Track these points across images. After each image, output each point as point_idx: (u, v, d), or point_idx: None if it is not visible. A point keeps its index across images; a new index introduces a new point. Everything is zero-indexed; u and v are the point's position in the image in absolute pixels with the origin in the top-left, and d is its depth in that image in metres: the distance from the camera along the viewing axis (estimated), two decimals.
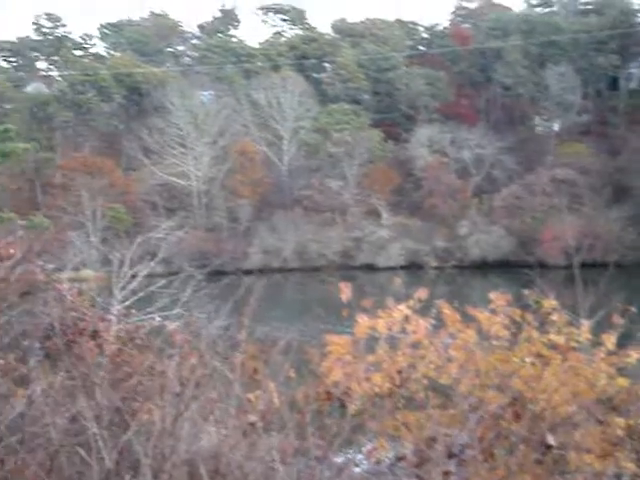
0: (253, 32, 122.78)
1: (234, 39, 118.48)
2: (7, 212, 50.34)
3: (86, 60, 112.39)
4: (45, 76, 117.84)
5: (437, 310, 10.98)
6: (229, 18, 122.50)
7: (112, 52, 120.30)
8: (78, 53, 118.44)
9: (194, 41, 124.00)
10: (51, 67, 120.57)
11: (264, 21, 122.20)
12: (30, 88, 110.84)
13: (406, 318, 10.88)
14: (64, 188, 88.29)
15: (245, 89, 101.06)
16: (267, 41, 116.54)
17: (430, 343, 10.68)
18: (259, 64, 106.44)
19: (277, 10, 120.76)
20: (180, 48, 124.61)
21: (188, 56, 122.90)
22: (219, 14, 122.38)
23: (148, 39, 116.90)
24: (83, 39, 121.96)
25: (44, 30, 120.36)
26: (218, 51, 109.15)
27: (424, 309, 11.01)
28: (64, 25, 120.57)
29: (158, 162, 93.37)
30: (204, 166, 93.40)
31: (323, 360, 9.62)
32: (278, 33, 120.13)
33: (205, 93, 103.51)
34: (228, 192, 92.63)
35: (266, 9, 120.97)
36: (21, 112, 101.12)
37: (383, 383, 10.02)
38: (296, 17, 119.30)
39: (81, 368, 7.45)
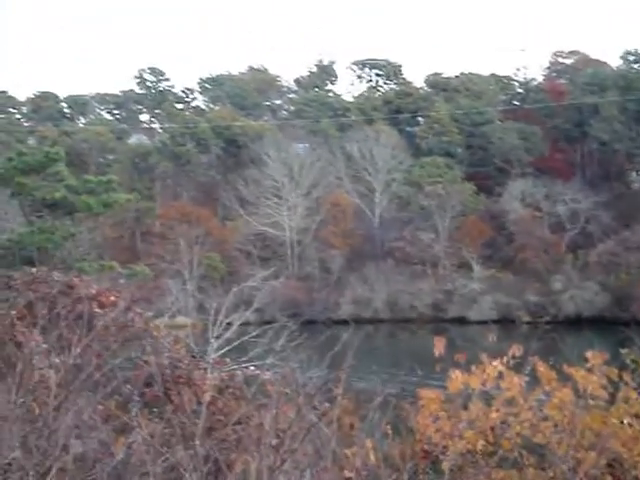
0: (348, 86, 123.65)
1: (330, 93, 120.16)
2: (108, 260, 51.64)
3: (187, 113, 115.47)
4: (147, 128, 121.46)
5: (531, 367, 10.77)
6: (325, 73, 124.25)
7: (211, 105, 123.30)
8: (179, 106, 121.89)
9: (291, 95, 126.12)
10: (153, 119, 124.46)
11: (359, 76, 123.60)
12: (132, 140, 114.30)
13: (500, 374, 10.71)
14: (162, 237, 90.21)
15: (339, 142, 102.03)
16: (362, 95, 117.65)
17: (524, 401, 10.47)
18: (354, 117, 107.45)
19: (372, 65, 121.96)
20: (277, 102, 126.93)
21: (285, 109, 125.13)
22: (315, 69, 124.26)
23: (246, 93, 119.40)
24: (184, 93, 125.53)
25: (147, 84, 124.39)
26: (314, 105, 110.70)
27: (518, 365, 10.81)
28: (167, 79, 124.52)
29: (253, 212, 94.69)
30: (297, 217, 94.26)
31: (416, 415, 9.52)
32: (373, 87, 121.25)
33: (300, 145, 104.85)
34: (320, 243, 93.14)
35: (362, 64, 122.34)
36: (123, 163, 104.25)
37: (477, 440, 9.86)
38: (391, 71, 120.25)
39: (180, 417, 7.53)
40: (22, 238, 46.67)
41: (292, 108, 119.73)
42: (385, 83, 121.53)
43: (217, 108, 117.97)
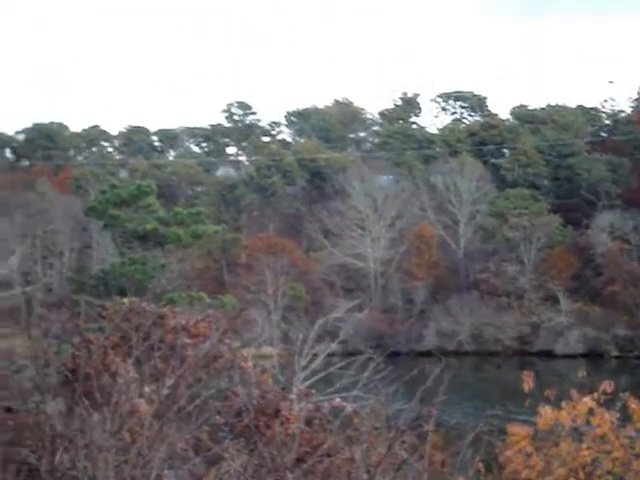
0: (432, 118, 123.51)
1: (414, 125, 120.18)
2: (196, 291, 52.43)
3: (273, 146, 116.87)
4: (234, 161, 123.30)
5: (622, 403, 10.50)
6: (410, 105, 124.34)
7: (297, 138, 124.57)
8: (265, 139, 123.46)
9: (375, 127, 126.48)
10: (240, 152, 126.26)
11: (444, 108, 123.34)
12: (220, 172, 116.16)
13: (590, 410, 10.47)
14: (248, 267, 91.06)
15: (423, 174, 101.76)
16: (446, 127, 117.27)
17: (616, 438, 10.21)
18: (438, 149, 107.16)
19: (457, 97, 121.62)
20: (361, 134, 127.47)
21: (369, 142, 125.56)
22: (400, 101, 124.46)
23: (331, 125, 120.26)
24: (271, 126, 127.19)
25: (235, 117, 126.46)
26: (398, 137, 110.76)
27: (608, 401, 10.55)
28: (254, 112, 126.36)
29: (337, 243, 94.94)
30: (381, 248, 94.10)
31: (506, 451, 9.35)
32: (457, 119, 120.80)
33: (384, 177, 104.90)
34: (404, 274, 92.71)
35: (446, 96, 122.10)
36: (211, 195, 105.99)
37: (567, 478, 9.64)
38: (476, 103, 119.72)
39: (270, 449, 7.54)
40: (114, 269, 47.75)
41: (376, 140, 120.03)
42: (470, 115, 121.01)
43: (303, 141, 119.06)
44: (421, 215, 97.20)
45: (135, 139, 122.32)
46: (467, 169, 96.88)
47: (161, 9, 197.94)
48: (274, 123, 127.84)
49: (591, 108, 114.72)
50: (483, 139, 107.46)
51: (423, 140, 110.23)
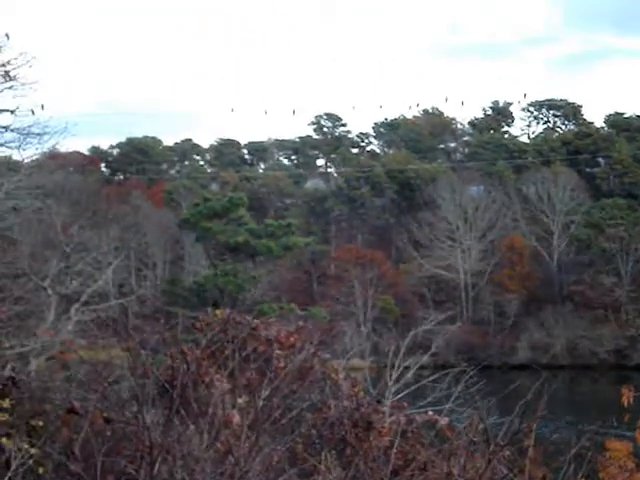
0: (524, 127, 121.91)
1: (505, 135, 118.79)
2: (286, 302, 52.82)
3: (362, 157, 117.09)
4: (323, 173, 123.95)
5: None
6: (501, 114, 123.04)
7: (386, 149, 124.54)
8: (354, 151, 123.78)
9: (465, 137, 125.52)
10: (329, 164, 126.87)
11: (536, 117, 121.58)
12: (309, 184, 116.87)
13: None
14: (337, 279, 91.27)
15: (515, 184, 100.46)
16: (539, 136, 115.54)
17: None
18: (530, 159, 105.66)
19: (550, 106, 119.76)
20: (451, 144, 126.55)
21: (459, 152, 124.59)
22: (491, 111, 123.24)
23: (421, 136, 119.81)
24: (359, 137, 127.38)
25: (324, 129, 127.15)
26: (489, 147, 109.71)
27: None
28: (343, 124, 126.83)
29: (427, 255, 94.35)
30: (472, 260, 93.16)
31: (606, 466, 9.11)
32: (550, 128, 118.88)
33: (475, 188, 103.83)
34: (495, 286, 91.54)
35: (539, 105, 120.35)
36: (300, 207, 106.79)
37: None
38: (570, 112, 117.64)
39: (366, 462, 7.51)
40: (207, 281, 48.45)
41: (467, 151, 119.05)
42: (563, 124, 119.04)
43: (391, 152, 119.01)
44: (513, 226, 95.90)
45: (225, 152, 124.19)
46: (561, 179, 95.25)
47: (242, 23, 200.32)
48: (363, 134, 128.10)
49: None
50: (577, 148, 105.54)
51: (515, 150, 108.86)
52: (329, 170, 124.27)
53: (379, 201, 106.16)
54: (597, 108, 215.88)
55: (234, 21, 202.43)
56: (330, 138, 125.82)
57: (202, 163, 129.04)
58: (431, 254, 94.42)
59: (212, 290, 47.25)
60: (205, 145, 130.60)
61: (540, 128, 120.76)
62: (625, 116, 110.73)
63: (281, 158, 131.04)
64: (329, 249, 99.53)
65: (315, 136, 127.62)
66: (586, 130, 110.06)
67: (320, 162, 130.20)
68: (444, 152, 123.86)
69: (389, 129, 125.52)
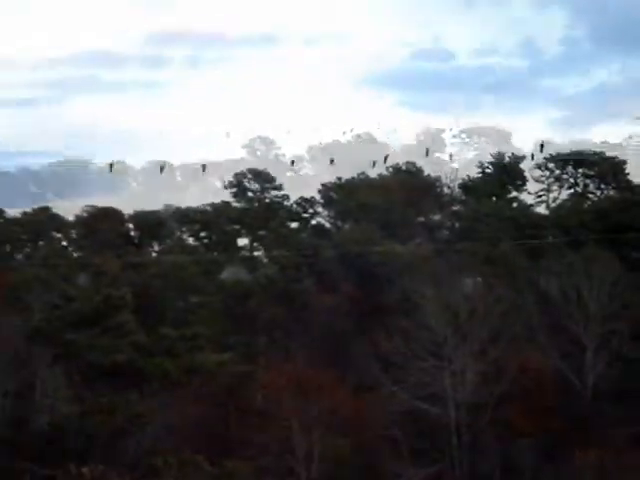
0: (539, 189, 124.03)
1: (514, 203, 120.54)
2: (189, 454, 52.13)
3: (304, 234, 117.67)
4: (247, 258, 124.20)
5: None
6: (506, 172, 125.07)
7: (339, 223, 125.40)
8: (294, 225, 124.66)
9: (455, 207, 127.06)
10: (255, 244, 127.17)
11: (558, 177, 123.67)
12: (226, 274, 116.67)
13: None
14: (267, 416, 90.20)
15: (529, 274, 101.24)
16: (562, 205, 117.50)
17: None
18: (551, 238, 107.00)
19: (577, 161, 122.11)
20: (435, 217, 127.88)
21: (446, 228, 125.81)
22: (491, 168, 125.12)
23: (391, 204, 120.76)
24: (301, 206, 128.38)
25: (248, 195, 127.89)
26: (490, 220, 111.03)
27: None
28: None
29: (400, 379, 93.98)
30: (467, 387, 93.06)
31: None
32: (580, 194, 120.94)
33: (470, 280, 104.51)
34: (502, 427, 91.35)
35: (560, 160, 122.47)
36: (212, 307, 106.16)
37: None
38: (608, 170, 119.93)
39: None
40: (67, 422, 47.68)
41: (457, 225, 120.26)
42: (598, 188, 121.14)
43: (347, 227, 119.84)
44: (527, 337, 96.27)
45: (101, 226, 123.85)
46: (596, 267, 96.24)
47: None
48: (305, 201, 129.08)
49: None
50: (619, 222, 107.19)
51: (528, 224, 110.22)
52: (256, 254, 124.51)
53: (330, 299, 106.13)
54: None
55: None
56: (258, 206, 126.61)
57: (65, 243, 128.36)
58: (406, 378, 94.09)
59: (76, 436, 46.27)
60: (69, 216, 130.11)
61: (564, 194, 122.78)
62: None
63: (184, 236, 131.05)
64: (255, 371, 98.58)
65: (235, 204, 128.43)
66: (631, 196, 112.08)
67: (242, 242, 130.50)
68: (424, 228, 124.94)
69: (343, 193, 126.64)
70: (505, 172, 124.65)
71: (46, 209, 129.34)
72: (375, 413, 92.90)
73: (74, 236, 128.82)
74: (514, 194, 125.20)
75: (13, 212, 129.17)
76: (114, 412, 47.37)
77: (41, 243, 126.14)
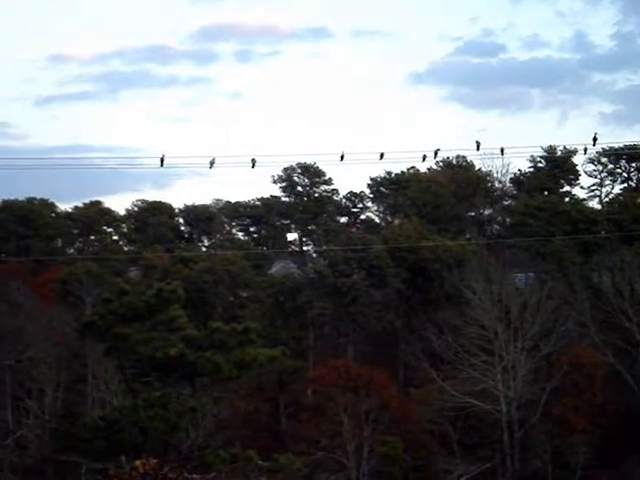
0: (594, 185, 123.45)
1: (566, 198, 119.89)
2: (241, 448, 51.97)
3: (353, 230, 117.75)
4: (296, 252, 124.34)
5: None
6: (560, 168, 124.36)
7: (389, 218, 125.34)
8: (343, 220, 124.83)
9: (507, 202, 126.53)
10: (305, 240, 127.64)
11: (611, 172, 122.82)
12: (275, 269, 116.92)
13: None
14: (318, 411, 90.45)
15: (581, 270, 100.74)
16: (615, 200, 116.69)
17: None
18: (604, 234, 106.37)
19: (632, 155, 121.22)
20: (486, 212, 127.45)
21: (498, 223, 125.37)
22: (543, 162, 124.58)
23: (440, 199, 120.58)
24: (350, 200, 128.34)
25: (298, 188, 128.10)
26: (542, 216, 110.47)
27: None
28: (326, 181, 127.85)
29: (450, 376, 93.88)
30: (519, 383, 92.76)
31: None
32: (633, 189, 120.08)
33: (521, 275, 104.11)
34: (554, 423, 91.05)
35: (614, 154, 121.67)
36: (262, 302, 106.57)
37: None
38: None
39: None
40: (121, 415, 47.66)
41: (509, 221, 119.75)
42: None
43: (397, 222, 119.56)
44: (579, 332, 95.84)
45: (151, 221, 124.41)
46: None
47: None
48: (354, 195, 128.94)
49: None
50: None
51: (580, 219, 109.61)
52: (305, 248, 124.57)
53: (379, 294, 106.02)
54: None
55: None
56: (307, 201, 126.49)
57: (116, 237, 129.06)
58: (457, 374, 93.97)
59: (129, 429, 46.32)
60: (121, 211, 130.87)
61: (617, 188, 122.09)
62: None
63: (234, 230, 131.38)
64: (305, 366, 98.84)
65: (284, 198, 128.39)
66: None
67: (292, 236, 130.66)
68: (475, 223, 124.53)
69: (393, 188, 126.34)
70: (557, 166, 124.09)
71: (97, 203, 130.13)
72: (425, 409, 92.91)
73: (125, 230, 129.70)
74: (566, 188, 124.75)
75: (64, 206, 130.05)
76: (166, 406, 47.34)
77: (92, 237, 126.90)
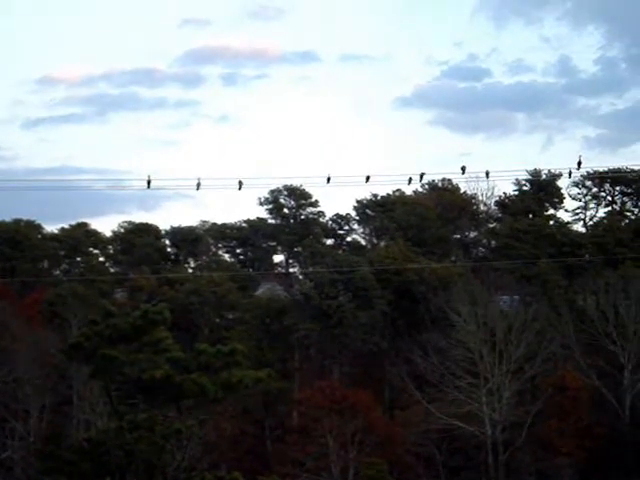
0: (579, 209, 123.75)
1: (551, 221, 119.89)
2: (226, 471, 51.97)
3: (340, 252, 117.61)
4: (282, 274, 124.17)
5: None
6: (544, 191, 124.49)
7: (375, 240, 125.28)
8: (329, 242, 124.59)
9: (492, 224, 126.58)
10: (291, 261, 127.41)
11: (595, 195, 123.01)
12: (261, 290, 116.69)
13: None
14: (303, 433, 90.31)
15: (566, 293, 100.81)
16: (600, 223, 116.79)
17: None
18: (588, 257, 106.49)
19: (614, 178, 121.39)
20: (471, 234, 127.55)
21: (483, 245, 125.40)
22: (528, 185, 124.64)
23: (426, 222, 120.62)
24: (336, 222, 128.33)
25: (284, 211, 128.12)
26: (527, 238, 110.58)
27: None
28: (313, 203, 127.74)
29: (436, 398, 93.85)
30: (504, 406, 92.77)
31: None
32: (618, 212, 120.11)
33: (506, 298, 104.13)
34: (538, 446, 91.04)
35: (599, 177, 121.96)
36: (248, 324, 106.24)
37: None
38: None
39: None
40: (106, 437, 47.52)
41: (494, 243, 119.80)
42: (636, 206, 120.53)
43: (383, 244, 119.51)
44: (563, 355, 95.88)
45: (137, 242, 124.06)
46: (634, 284, 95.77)
47: None
48: (340, 218, 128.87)
49: None
50: None
51: (565, 242, 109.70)
52: (291, 270, 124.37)
53: (365, 316, 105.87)
54: None
55: None
56: (293, 223, 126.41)
57: (102, 259, 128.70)
58: (442, 396, 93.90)
59: (115, 451, 46.19)
60: (107, 232, 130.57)
61: (601, 211, 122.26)
62: None
63: (221, 252, 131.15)
64: (291, 388, 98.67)
65: (271, 220, 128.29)
66: None
67: (278, 258, 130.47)
68: (460, 245, 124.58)
69: (379, 211, 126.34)
70: (542, 189, 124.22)
71: (83, 225, 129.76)
72: (411, 431, 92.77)
73: (111, 252, 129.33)
74: (551, 211, 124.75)
75: (51, 228, 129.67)
76: (152, 428, 47.16)
77: (78, 259, 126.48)
